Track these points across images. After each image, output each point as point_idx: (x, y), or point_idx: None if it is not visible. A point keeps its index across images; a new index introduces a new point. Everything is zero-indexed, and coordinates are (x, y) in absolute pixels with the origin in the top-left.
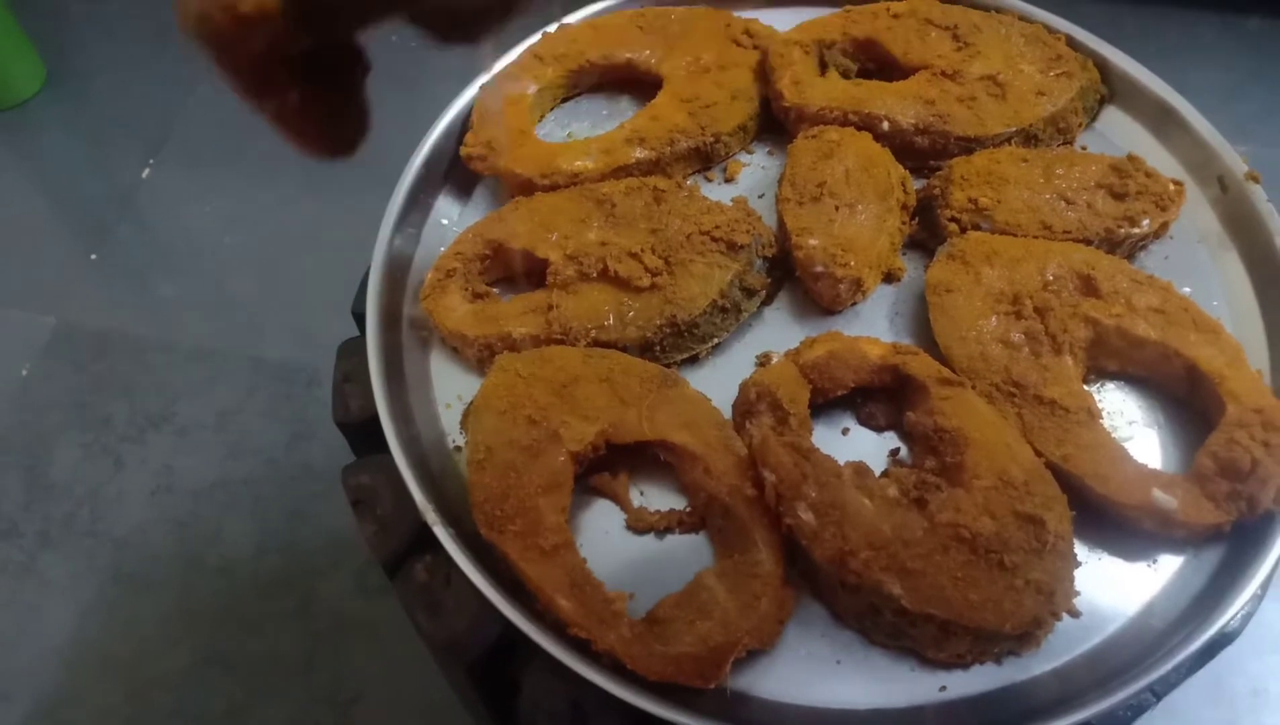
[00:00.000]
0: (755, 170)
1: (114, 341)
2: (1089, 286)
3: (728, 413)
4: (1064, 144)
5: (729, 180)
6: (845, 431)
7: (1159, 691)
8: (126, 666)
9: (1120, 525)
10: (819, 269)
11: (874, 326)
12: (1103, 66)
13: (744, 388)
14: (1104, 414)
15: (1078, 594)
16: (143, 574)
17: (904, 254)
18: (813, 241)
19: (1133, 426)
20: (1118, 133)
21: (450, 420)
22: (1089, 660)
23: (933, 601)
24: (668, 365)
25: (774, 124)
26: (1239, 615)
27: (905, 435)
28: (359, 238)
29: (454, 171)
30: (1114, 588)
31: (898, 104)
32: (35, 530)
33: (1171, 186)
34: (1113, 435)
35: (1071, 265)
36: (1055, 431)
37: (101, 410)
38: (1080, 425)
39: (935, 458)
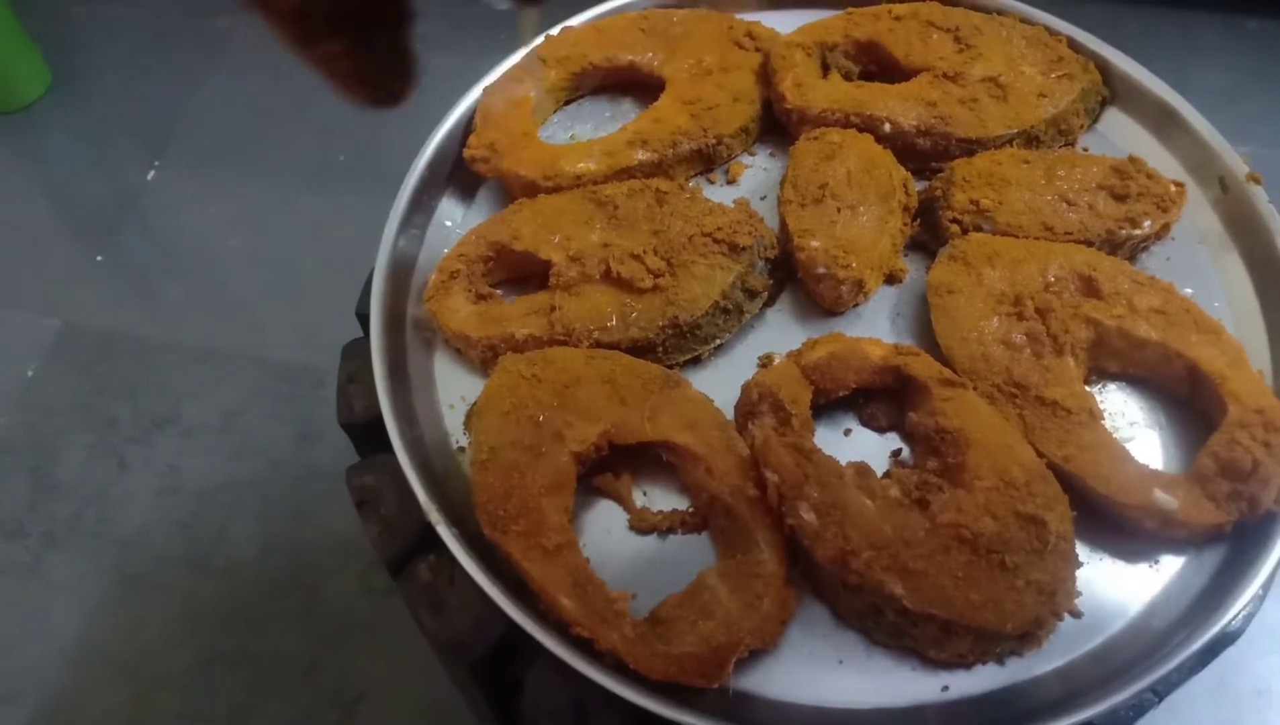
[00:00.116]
0: (757, 172)
1: (119, 343)
2: (1090, 287)
3: (730, 413)
4: (1065, 145)
5: (731, 182)
6: (847, 432)
7: (1161, 691)
8: (131, 667)
9: (1121, 526)
10: (821, 270)
11: (876, 328)
12: (1104, 68)
13: (746, 388)
14: (1105, 415)
15: (1079, 594)
16: (148, 575)
17: (906, 255)
18: (815, 243)
19: (1134, 427)
20: (1119, 134)
21: (454, 421)
22: (1091, 660)
23: (934, 602)
24: (670, 366)
25: (776, 126)
26: (1241, 615)
27: (907, 436)
28: (363, 239)
29: (457, 173)
30: (1115, 588)
31: (899, 106)
32: (41, 531)
33: (1173, 188)
34: (1114, 436)
35: (1073, 266)
36: (1057, 432)
37: (106, 411)
38: (1082, 426)
39: (937, 458)
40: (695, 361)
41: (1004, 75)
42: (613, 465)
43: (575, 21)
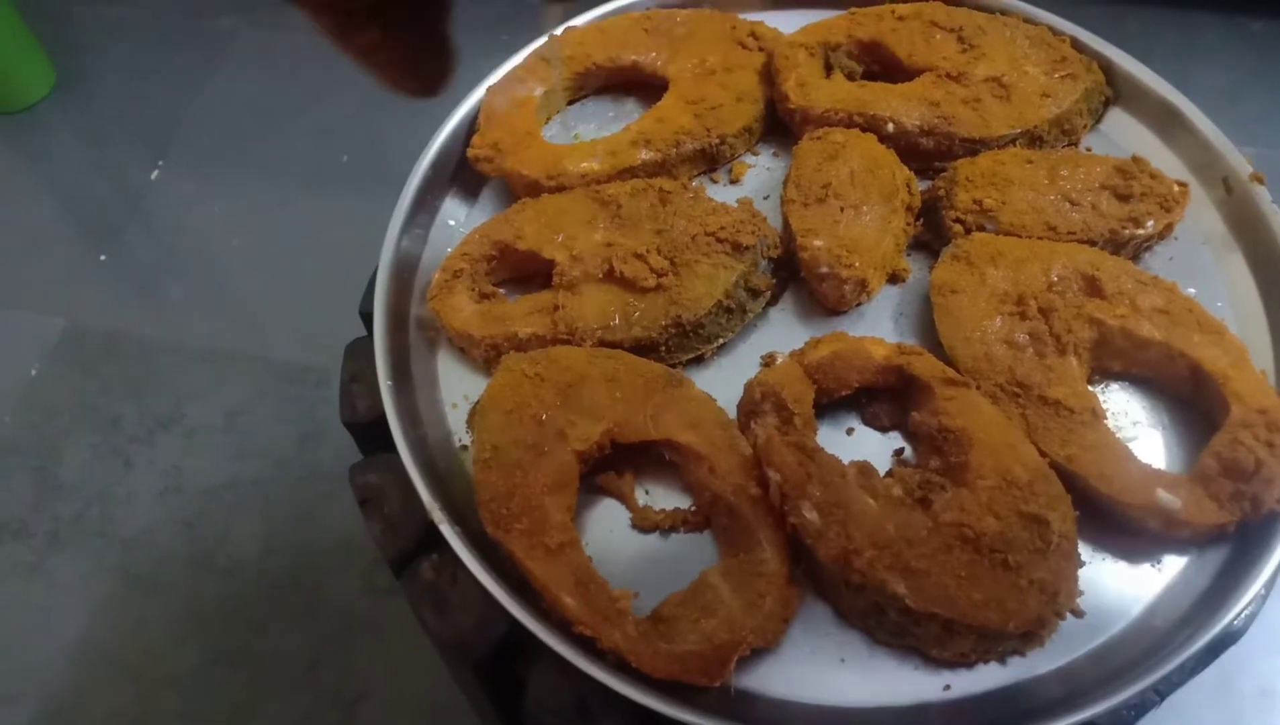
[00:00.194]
0: (760, 172)
1: (123, 343)
2: (1093, 287)
3: (733, 413)
4: (1069, 145)
5: (734, 182)
6: (850, 431)
7: (1163, 691)
8: (134, 666)
9: (1124, 525)
10: (824, 270)
11: (879, 327)
12: (1107, 68)
13: (749, 388)
14: (1108, 414)
15: (1081, 593)
16: (151, 574)
17: (909, 255)
18: (818, 242)
19: (1137, 427)
20: (1122, 134)
21: (457, 420)
22: (1093, 659)
23: (937, 601)
24: (673, 365)
25: (779, 126)
26: (1243, 615)
27: (909, 435)
28: (366, 239)
29: (461, 173)
30: (1118, 587)
31: (903, 106)
32: (45, 530)
33: (1176, 188)
34: (1117, 436)
35: (1076, 266)
36: (1059, 432)
37: (110, 411)
38: (1084, 426)
39: (939, 458)
40: (698, 361)
41: (1007, 75)
42: (615, 464)
43: (579, 21)
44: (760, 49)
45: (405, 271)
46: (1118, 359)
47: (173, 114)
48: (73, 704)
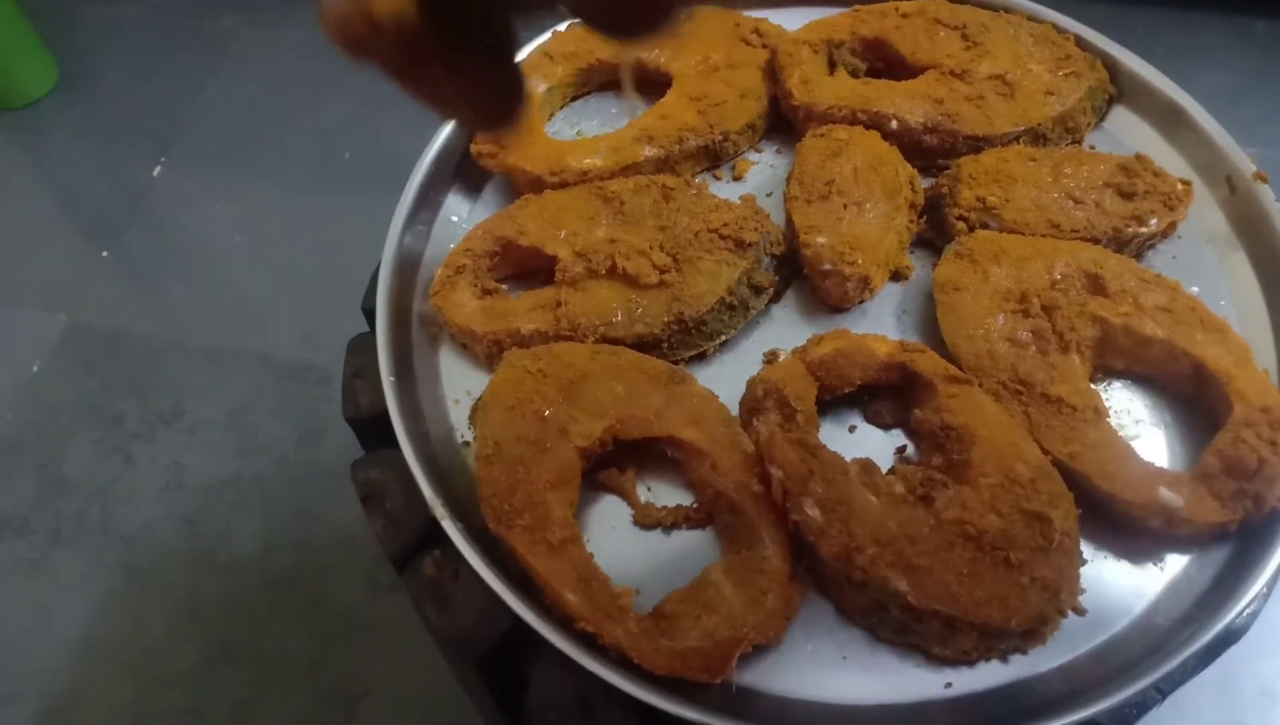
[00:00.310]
0: (764, 168)
1: (124, 340)
2: (1096, 285)
3: (735, 409)
4: (1072, 143)
5: (737, 178)
6: (852, 429)
7: (1164, 689)
8: (136, 663)
9: (1126, 523)
10: (827, 267)
11: (881, 324)
12: (1111, 66)
13: (751, 385)
14: (1111, 412)
15: (1083, 591)
16: (153, 571)
17: (912, 252)
18: (821, 239)
19: (1139, 425)
20: (1126, 132)
21: (459, 415)
22: (1094, 657)
23: (938, 598)
24: (675, 362)
25: (782, 123)
26: (1245, 613)
27: (912, 433)
28: (368, 236)
29: (464, 169)
30: (1120, 585)
31: (906, 103)
32: (46, 527)
33: (1179, 186)
34: (1119, 433)
35: (1079, 264)
36: (1062, 429)
37: (112, 408)
38: (1087, 423)
39: (942, 455)
40: (700, 357)
41: (1011, 73)
42: (617, 460)
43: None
44: (764, 46)
45: (408, 267)
46: (1120, 357)
47: (175, 112)
48: (74, 701)
